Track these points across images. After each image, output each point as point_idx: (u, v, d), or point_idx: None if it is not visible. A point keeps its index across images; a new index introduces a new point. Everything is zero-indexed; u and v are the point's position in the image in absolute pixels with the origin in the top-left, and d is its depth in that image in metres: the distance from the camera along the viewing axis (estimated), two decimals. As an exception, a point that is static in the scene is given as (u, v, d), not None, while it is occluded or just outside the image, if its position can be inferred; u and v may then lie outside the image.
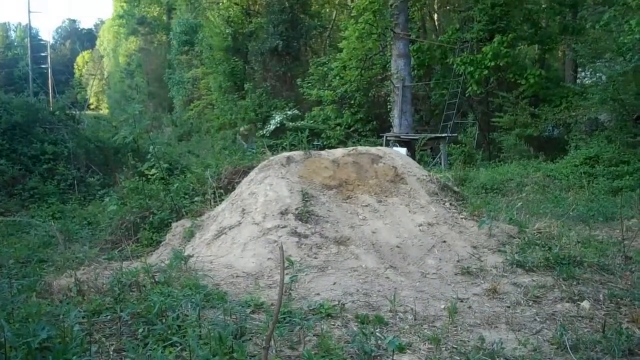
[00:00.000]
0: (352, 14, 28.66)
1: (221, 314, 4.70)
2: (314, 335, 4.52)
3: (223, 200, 9.42)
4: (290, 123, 29.25)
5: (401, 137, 23.85)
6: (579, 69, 26.95)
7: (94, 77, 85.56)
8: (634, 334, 4.67)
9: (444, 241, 7.32)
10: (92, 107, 73.72)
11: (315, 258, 6.80)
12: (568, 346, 4.41)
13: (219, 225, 7.94)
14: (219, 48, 36.53)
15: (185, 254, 6.65)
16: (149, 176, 11.27)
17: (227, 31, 35.99)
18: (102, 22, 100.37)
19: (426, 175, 9.22)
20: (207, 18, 39.62)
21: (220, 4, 38.45)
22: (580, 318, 5.18)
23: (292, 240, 7.08)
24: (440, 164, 21.65)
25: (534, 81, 22.96)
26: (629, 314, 5.17)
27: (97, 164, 18.21)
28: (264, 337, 3.89)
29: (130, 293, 5.26)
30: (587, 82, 24.86)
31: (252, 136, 18.44)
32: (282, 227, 7.35)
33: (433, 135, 23.55)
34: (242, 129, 18.07)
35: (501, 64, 23.12)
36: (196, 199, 10.25)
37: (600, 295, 5.71)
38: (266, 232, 7.29)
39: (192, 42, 42.78)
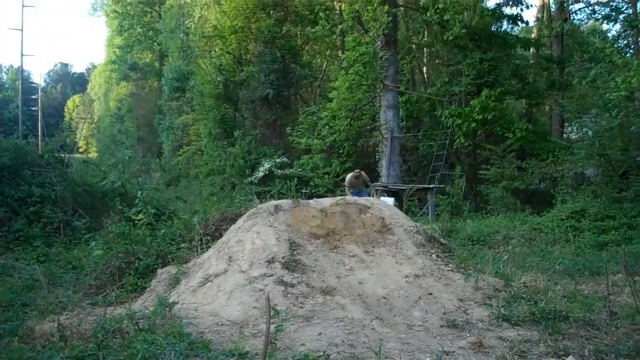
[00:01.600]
0: (342, 65, 29.00)
1: (205, 363, 4.66)
2: (298, 386, 4.48)
3: (210, 247, 9.39)
4: (279, 171, 29.32)
5: (389, 187, 23.92)
6: (566, 124, 27.30)
7: (84, 120, 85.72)
8: (619, 390, 4.66)
9: (430, 293, 7.32)
10: (81, 150, 73.62)
11: (301, 307, 6.77)
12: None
13: (205, 272, 7.91)
14: (210, 95, 36.77)
15: (170, 301, 6.61)
16: (136, 221, 11.22)
17: (219, 79, 36.28)
18: (94, 67, 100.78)
19: (413, 226, 9.26)
20: (199, 65, 39.95)
21: (213, 52, 38.85)
22: (565, 374, 5.17)
23: (278, 289, 7.05)
24: (428, 214, 21.69)
25: (521, 135, 23.20)
26: (614, 371, 5.16)
27: (84, 207, 18.07)
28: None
29: (114, 340, 5.22)
30: (573, 137, 25.18)
31: (358, 186, 17.01)
32: (269, 276, 7.33)
33: (421, 186, 23.66)
34: (350, 175, 16.58)
35: (489, 117, 23.38)
36: (183, 245, 10.19)
37: (586, 351, 5.71)
38: (252, 281, 7.26)
39: (184, 88, 43.06)
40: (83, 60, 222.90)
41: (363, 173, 18.58)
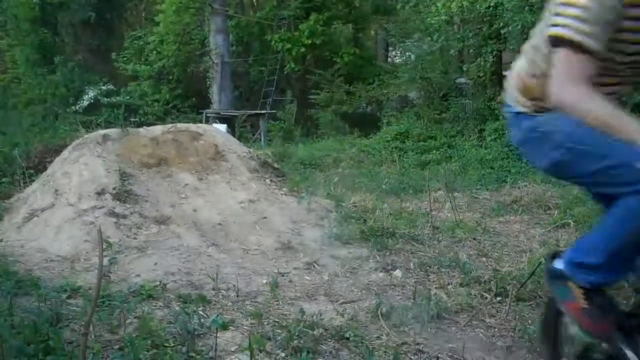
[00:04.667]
0: (168, -13, 27.99)
1: (35, 300, 4.49)
2: (135, 318, 4.42)
3: (34, 181, 8.92)
4: (105, 99, 28.11)
5: (221, 113, 23.76)
6: (390, 48, 28.20)
7: None
8: (441, 299, 5.02)
9: (265, 217, 7.42)
10: None
11: (135, 239, 6.64)
12: (381, 314, 4.65)
13: (30, 207, 7.52)
14: (26, 18, 34.17)
15: (-7, 239, 6.26)
16: (-50, 157, 10.42)
17: (35, 1, 33.79)
18: None
19: (247, 153, 9.27)
20: (11, -14, 36.99)
21: (26, -29, 36.06)
22: (393, 286, 5.49)
23: (109, 221, 6.85)
24: (260, 140, 21.83)
25: (349, 59, 23.72)
26: (437, 281, 5.54)
27: None
28: (82, 323, 3.76)
29: None
30: (397, 60, 26.09)
31: None
32: (99, 208, 7.09)
33: (253, 111, 23.70)
34: None
35: (318, 42, 23.61)
36: (4, 180, 9.61)
37: (411, 264, 6.08)
38: (82, 214, 7.00)
39: (-5, 11, 39.79)
40: None
41: None
